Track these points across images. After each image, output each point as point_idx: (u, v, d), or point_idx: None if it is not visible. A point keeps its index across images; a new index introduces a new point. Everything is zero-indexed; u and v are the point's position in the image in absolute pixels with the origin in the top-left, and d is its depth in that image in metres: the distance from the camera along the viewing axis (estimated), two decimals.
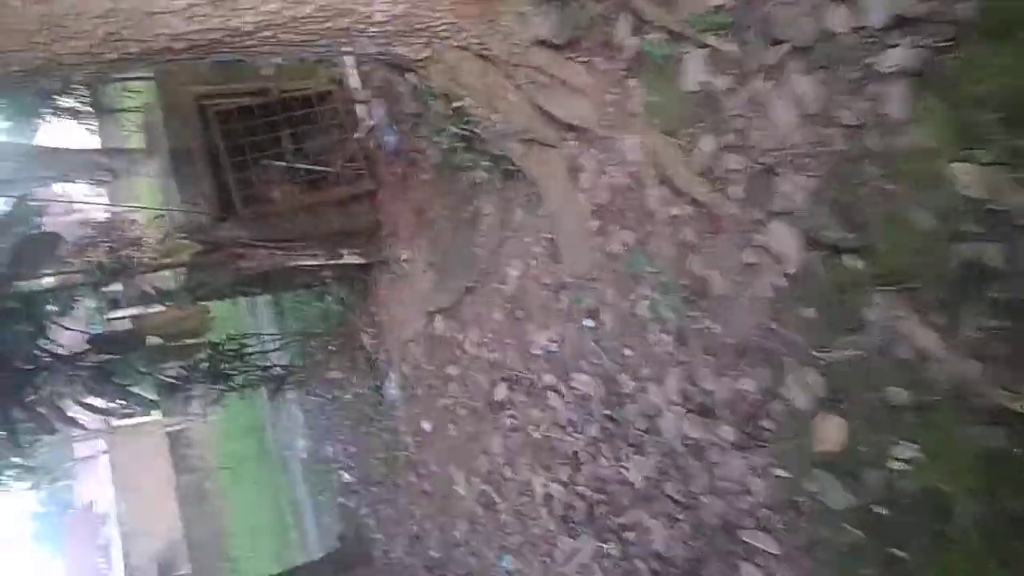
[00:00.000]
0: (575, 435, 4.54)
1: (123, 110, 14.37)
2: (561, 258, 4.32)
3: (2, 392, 4.72)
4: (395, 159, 5.86)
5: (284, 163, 6.33)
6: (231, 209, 5.90)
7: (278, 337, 8.97)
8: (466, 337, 5.61)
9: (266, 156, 6.25)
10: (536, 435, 4.87)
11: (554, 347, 4.62)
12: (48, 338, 4.96)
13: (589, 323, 4.25)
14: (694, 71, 3.35)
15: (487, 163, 4.35)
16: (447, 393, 5.95)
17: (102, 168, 14.55)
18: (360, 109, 6.27)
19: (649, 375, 3.84)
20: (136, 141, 14.09)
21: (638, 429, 3.94)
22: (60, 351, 5.05)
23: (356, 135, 6.23)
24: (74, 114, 14.88)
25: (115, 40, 3.05)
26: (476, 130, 4.16)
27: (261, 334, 9.30)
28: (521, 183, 4.52)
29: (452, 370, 5.83)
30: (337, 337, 8.13)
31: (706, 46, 3.22)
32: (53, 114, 14.54)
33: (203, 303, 5.98)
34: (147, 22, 3.06)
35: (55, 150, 14.43)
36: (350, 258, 6.18)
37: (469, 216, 4.97)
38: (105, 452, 23.58)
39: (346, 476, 9.26)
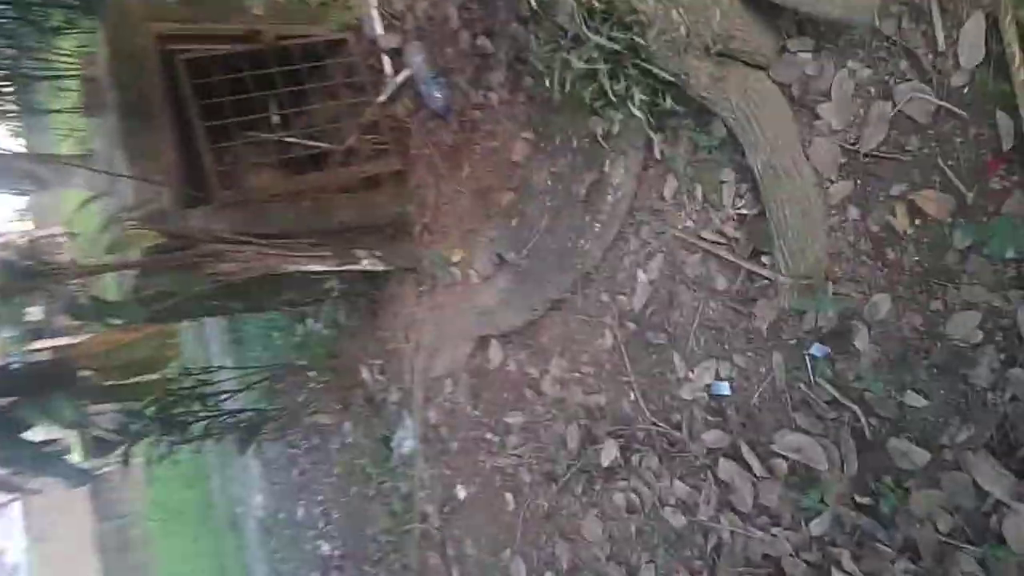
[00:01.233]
0: (751, 529, 2.95)
1: (56, 111, 12.42)
2: (772, 247, 2.75)
3: None
4: (443, 122, 4.24)
5: (278, 134, 4.64)
6: (204, 191, 4.16)
7: (244, 370, 7.10)
8: (545, 371, 3.97)
9: (255, 123, 4.54)
10: (675, 521, 3.25)
11: (726, 388, 3.04)
12: None
13: (819, 350, 2.68)
14: None
15: (643, 96, 2.77)
16: (504, 450, 4.29)
17: (26, 176, 12.58)
18: (386, 62, 4.63)
19: None
20: (69, 147, 12.14)
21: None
22: None
23: (379, 98, 4.59)
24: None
25: None
26: (640, 38, 2.59)
27: (222, 368, 7.43)
28: (688, 130, 2.96)
29: (515, 418, 4.18)
30: (325, 371, 6.37)
31: None
32: None
33: (160, 322, 4.20)
34: None
35: None
36: (369, 263, 4.49)
37: (579, 191, 3.37)
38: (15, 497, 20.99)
39: (325, 547, 7.38)
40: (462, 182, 4.11)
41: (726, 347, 3.09)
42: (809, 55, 2.77)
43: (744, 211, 2.95)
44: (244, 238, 4.11)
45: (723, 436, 3.06)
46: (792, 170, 2.66)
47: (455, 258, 4.13)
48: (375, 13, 4.69)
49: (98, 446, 5.11)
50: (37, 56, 9.93)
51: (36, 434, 4.33)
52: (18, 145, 13.33)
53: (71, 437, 5.12)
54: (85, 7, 7.37)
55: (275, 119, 4.73)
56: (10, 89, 11.32)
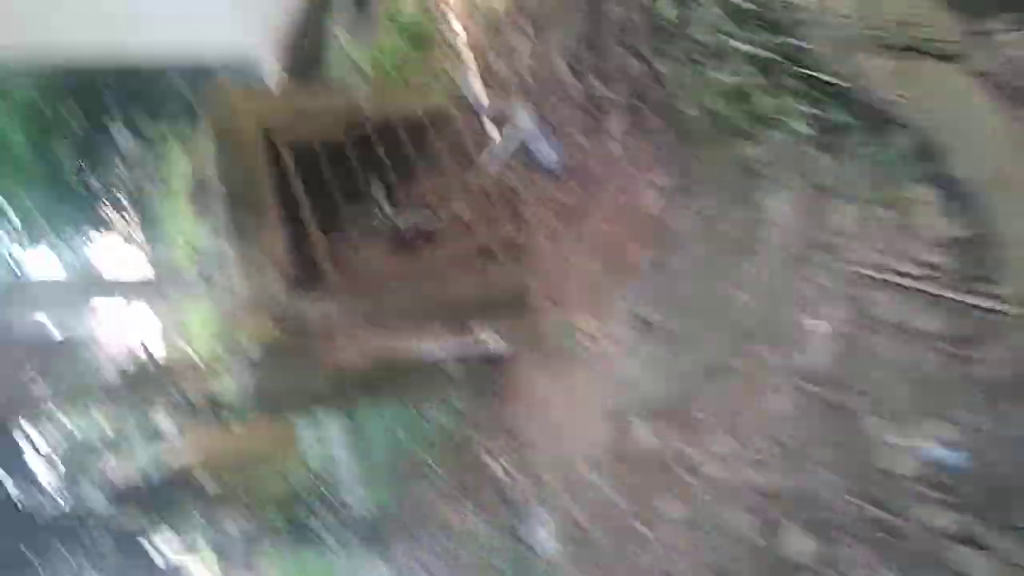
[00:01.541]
0: None
1: (172, 220, 13.01)
2: (1001, 273, 2.20)
3: None
4: (558, 181, 3.89)
5: (387, 212, 4.41)
6: (316, 276, 3.93)
7: (366, 467, 6.79)
8: (705, 450, 3.42)
9: (363, 203, 4.34)
10: None
11: (952, 455, 2.43)
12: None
13: None
14: None
15: (805, 109, 2.31)
16: (659, 544, 3.71)
17: (148, 294, 13.21)
18: (491, 128, 4.37)
19: None
20: (185, 257, 12.65)
21: None
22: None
23: (487, 167, 4.31)
24: (116, 227, 13.62)
25: None
26: (799, 40, 2.16)
27: (342, 465, 7.15)
28: (865, 145, 2.47)
29: (672, 506, 3.61)
30: (450, 465, 5.96)
31: None
32: (95, 229, 13.24)
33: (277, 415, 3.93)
34: None
35: (92, 279, 13.20)
36: (490, 341, 4.11)
37: (731, 233, 2.90)
38: None
39: None
40: (586, 243, 3.71)
41: (945, 404, 2.49)
42: (1013, 35, 2.26)
43: (951, 233, 2.40)
44: (361, 323, 3.82)
45: (955, 518, 2.43)
46: (1017, 174, 2.12)
47: (586, 328, 3.70)
48: (475, 80, 4.47)
49: (223, 554, 4.86)
50: (149, 169, 10.45)
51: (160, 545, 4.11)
52: (141, 259, 13.96)
53: (196, 546, 4.90)
54: (190, 111, 7.62)
55: (382, 198, 4.51)
56: (128, 206, 11.93)
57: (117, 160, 11.42)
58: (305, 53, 4.91)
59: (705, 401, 3.35)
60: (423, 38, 4.76)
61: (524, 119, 3.98)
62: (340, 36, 5.27)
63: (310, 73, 4.55)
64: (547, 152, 3.80)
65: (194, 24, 5.14)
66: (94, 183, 11.56)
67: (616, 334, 3.55)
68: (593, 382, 3.83)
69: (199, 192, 4.43)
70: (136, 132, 10.79)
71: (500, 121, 4.35)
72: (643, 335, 3.39)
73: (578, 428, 4.14)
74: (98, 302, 12.24)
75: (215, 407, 3.41)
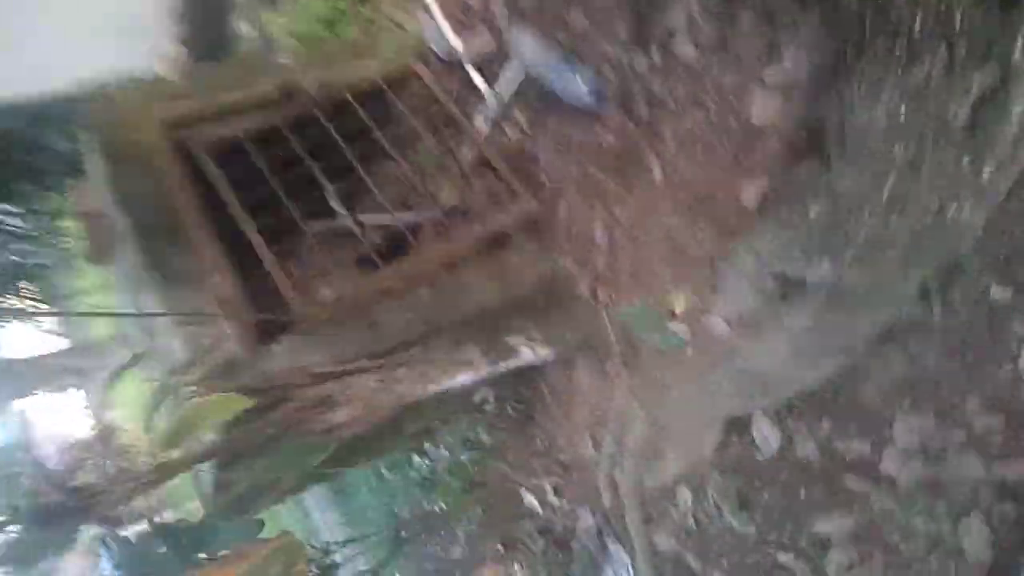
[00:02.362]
0: None
1: (81, 293, 11.47)
2: None
3: None
4: (596, 118, 2.86)
5: (356, 213, 3.30)
6: (280, 312, 2.80)
7: (361, 529, 5.59)
8: (882, 443, 2.44)
9: (321, 203, 3.22)
10: None
11: None
12: None
13: None
14: None
15: None
16: (821, 573, 2.73)
17: (67, 372, 11.73)
18: (475, 76, 3.30)
19: None
20: (104, 327, 11.15)
21: None
22: None
23: (479, 126, 3.25)
24: (21, 314, 12.01)
25: None
26: None
27: (334, 533, 5.95)
28: None
29: (831, 522, 2.64)
30: (471, 509, 4.89)
31: None
32: None
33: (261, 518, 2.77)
34: None
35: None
36: (531, 351, 3.06)
37: (947, 123, 1.89)
38: None
39: None
40: (650, 197, 2.69)
41: None
42: None
43: None
44: (357, 365, 2.71)
45: None
46: None
47: (678, 307, 2.67)
48: (440, 19, 3.39)
49: None
50: (41, 239, 9.09)
51: None
52: (52, 341, 12.39)
53: None
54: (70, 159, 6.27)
55: (341, 196, 3.40)
56: (28, 286, 10.49)
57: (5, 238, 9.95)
58: (204, 30, 3.77)
59: (872, 382, 2.37)
60: None
61: (526, 47, 2.93)
62: (247, 8, 4.13)
63: (215, 53, 3.41)
64: (572, 85, 2.76)
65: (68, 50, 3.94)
66: None
67: (728, 309, 2.54)
68: (688, 378, 2.81)
69: (91, 231, 3.22)
70: (20, 201, 9.36)
71: (487, 65, 3.29)
72: (780, 305, 2.37)
73: (665, 439, 3.12)
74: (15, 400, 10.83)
75: (179, 542, 2.27)
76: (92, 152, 2.99)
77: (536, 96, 3.03)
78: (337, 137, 3.22)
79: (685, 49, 2.44)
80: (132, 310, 3.07)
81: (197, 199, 2.94)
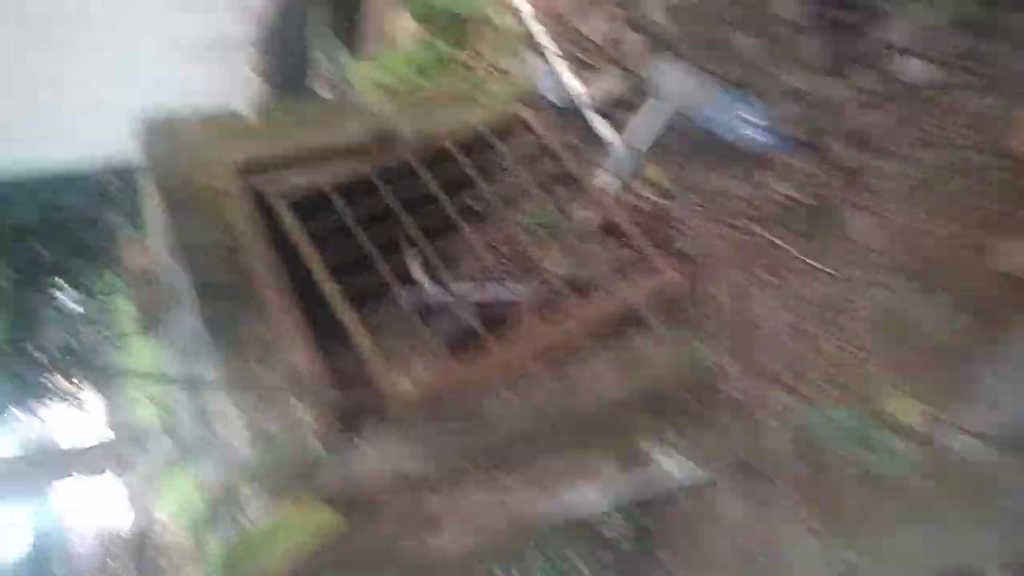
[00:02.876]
0: None
1: (129, 373, 11.07)
2: None
3: None
4: (772, 162, 2.28)
5: (448, 281, 2.74)
6: (369, 397, 2.21)
7: None
8: None
9: (409, 265, 2.68)
10: None
11: None
12: None
13: None
14: None
15: None
16: None
17: (109, 460, 11.40)
18: (597, 122, 2.79)
19: None
20: (150, 412, 10.69)
21: None
22: None
23: (600, 182, 2.71)
24: (65, 395, 11.67)
25: None
26: None
27: None
28: None
29: None
30: None
31: None
32: (39, 401, 11.29)
33: None
34: None
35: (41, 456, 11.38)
36: (674, 466, 2.40)
37: None
38: None
39: None
40: (855, 265, 2.08)
41: None
42: None
43: None
44: (461, 467, 2.09)
45: None
46: None
47: (904, 415, 1.99)
48: (556, 61, 2.91)
49: None
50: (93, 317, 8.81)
51: None
52: (97, 425, 12.01)
53: None
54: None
55: (436, 264, 2.85)
56: (77, 366, 10.18)
57: (55, 317, 9.73)
58: (285, 61, 3.36)
59: None
60: (462, 27, 3.24)
61: (678, 84, 2.40)
62: (326, 51, 3.74)
63: (295, 89, 2.97)
64: (739, 124, 2.20)
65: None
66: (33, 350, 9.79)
67: (993, 423, 1.86)
68: (919, 516, 2.10)
69: (142, 295, 2.70)
70: (72, 281, 9.16)
71: (614, 112, 2.77)
72: None
73: None
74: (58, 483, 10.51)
75: None
76: (151, 197, 2.51)
77: (682, 143, 2.49)
78: (436, 191, 2.70)
79: (911, 69, 1.89)
80: (184, 387, 2.52)
81: (272, 256, 2.43)
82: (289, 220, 2.55)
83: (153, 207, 2.52)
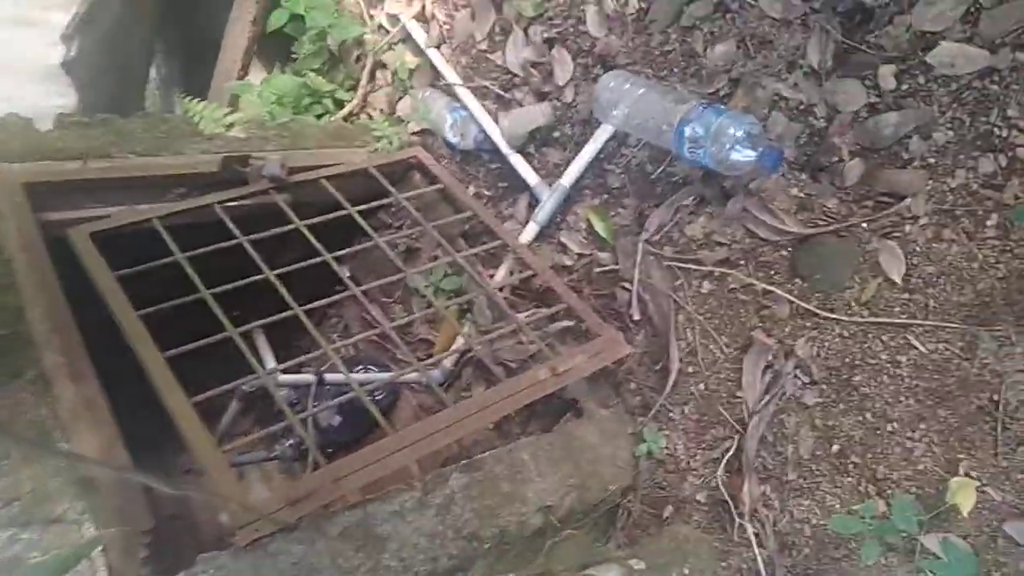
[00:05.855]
0: None
1: None
2: None
3: None
4: (771, 185, 1.81)
5: (317, 364, 2.03)
6: (189, 503, 1.44)
7: None
8: None
9: (285, 335, 1.97)
10: None
11: None
12: None
13: None
14: None
15: None
16: None
17: None
18: (517, 162, 2.28)
19: None
20: None
21: None
22: None
23: (524, 238, 2.18)
24: None
25: None
26: None
27: None
28: None
29: None
30: None
31: None
32: None
33: None
34: None
35: None
36: None
37: None
38: None
39: None
40: (881, 312, 1.61)
41: None
42: None
43: None
44: None
45: None
46: None
47: (964, 502, 1.49)
48: (468, 98, 2.39)
49: None
50: None
51: None
52: None
53: None
54: None
55: (304, 325, 2.14)
56: None
57: None
58: (114, 80, 2.63)
59: None
60: (342, 58, 2.66)
61: (628, 100, 1.92)
62: (164, 82, 3.04)
63: (123, 108, 2.26)
64: (715, 145, 1.73)
65: None
66: None
67: None
68: None
69: None
70: None
71: (539, 151, 2.26)
72: None
73: None
74: None
75: None
76: None
77: (634, 176, 2.00)
78: (305, 238, 2.04)
79: (949, 57, 1.50)
80: None
81: (63, 311, 1.64)
82: (93, 261, 1.78)
83: None
